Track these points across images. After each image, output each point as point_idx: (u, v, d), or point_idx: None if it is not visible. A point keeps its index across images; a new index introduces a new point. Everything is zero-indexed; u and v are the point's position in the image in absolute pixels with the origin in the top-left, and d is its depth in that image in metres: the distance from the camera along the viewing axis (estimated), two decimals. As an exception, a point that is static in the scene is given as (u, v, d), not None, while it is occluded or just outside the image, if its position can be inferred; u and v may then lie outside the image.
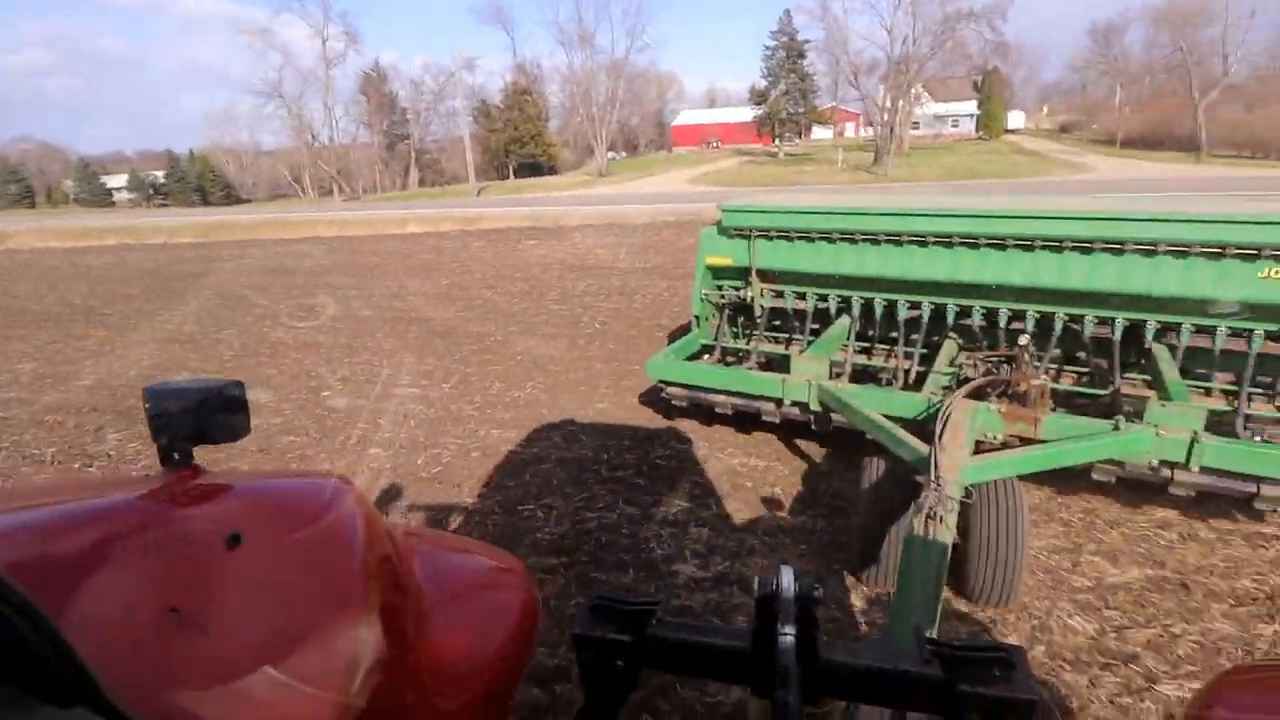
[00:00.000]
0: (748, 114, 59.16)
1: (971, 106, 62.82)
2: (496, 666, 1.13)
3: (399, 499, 4.33)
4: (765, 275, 4.48)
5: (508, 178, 56.73)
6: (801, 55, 50.31)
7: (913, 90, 41.46)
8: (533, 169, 58.62)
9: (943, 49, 39.21)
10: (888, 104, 38.36)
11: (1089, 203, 4.00)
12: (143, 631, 0.73)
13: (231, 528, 0.85)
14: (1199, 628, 2.90)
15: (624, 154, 68.15)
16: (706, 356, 4.81)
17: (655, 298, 9.53)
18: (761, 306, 4.58)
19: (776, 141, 53.98)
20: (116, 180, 72.50)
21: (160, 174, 68.92)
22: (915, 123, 55.51)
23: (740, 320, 5.04)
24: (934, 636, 1.71)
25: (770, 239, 4.28)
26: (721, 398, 4.30)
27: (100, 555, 0.76)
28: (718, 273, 4.69)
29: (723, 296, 4.71)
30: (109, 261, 18.08)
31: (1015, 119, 67.31)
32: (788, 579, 0.95)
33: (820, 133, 65.20)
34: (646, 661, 1.01)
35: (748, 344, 4.75)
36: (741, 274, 4.54)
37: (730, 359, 4.82)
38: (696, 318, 4.84)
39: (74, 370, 7.66)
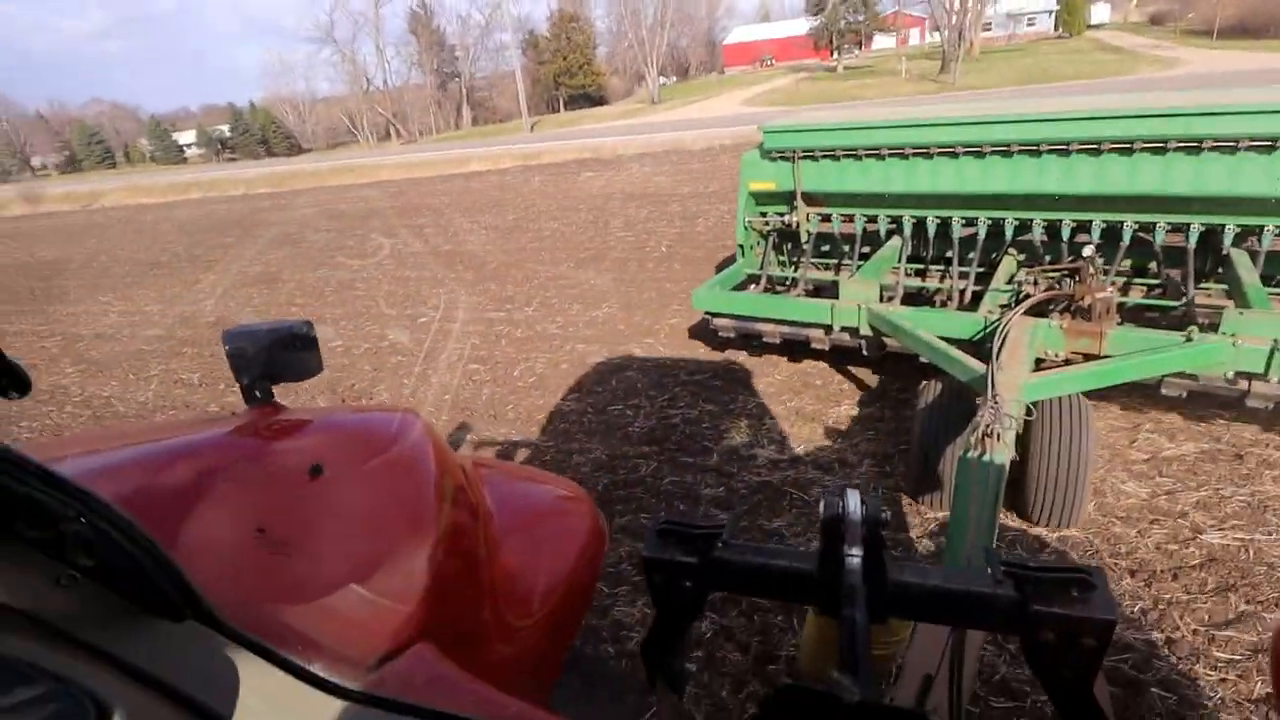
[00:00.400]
0: (804, 27, 56.16)
1: (1050, 2, 57.76)
2: (564, 589, 1.16)
3: (505, 406, 4.87)
4: (811, 199, 4.34)
5: (558, 110, 56.13)
6: (861, -42, 47.04)
7: (984, -12, 38.43)
8: (583, 100, 57.73)
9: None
10: (955, 4, 35.80)
11: (1166, 98, 3.66)
12: (240, 553, 0.80)
13: (313, 459, 0.92)
14: (1248, 489, 3.14)
15: (674, 78, 66.13)
16: (753, 286, 4.65)
17: (717, 221, 9.73)
18: (808, 232, 4.44)
19: (835, 55, 51.20)
20: (186, 136, 75.34)
21: (225, 128, 71.29)
22: (987, 24, 51.61)
23: (787, 247, 4.90)
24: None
25: (815, 159, 4.11)
26: (769, 326, 4.21)
27: (197, 486, 0.85)
28: (761, 199, 4.54)
29: (767, 223, 4.55)
30: (198, 214, 19.27)
31: (1100, 12, 61.53)
32: (854, 501, 0.95)
33: (883, 42, 61.48)
34: (713, 583, 1.04)
35: (795, 271, 4.60)
36: (786, 199, 4.39)
37: (779, 287, 4.70)
38: (741, 246, 4.71)
39: (196, 310, 8.52)
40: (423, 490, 0.95)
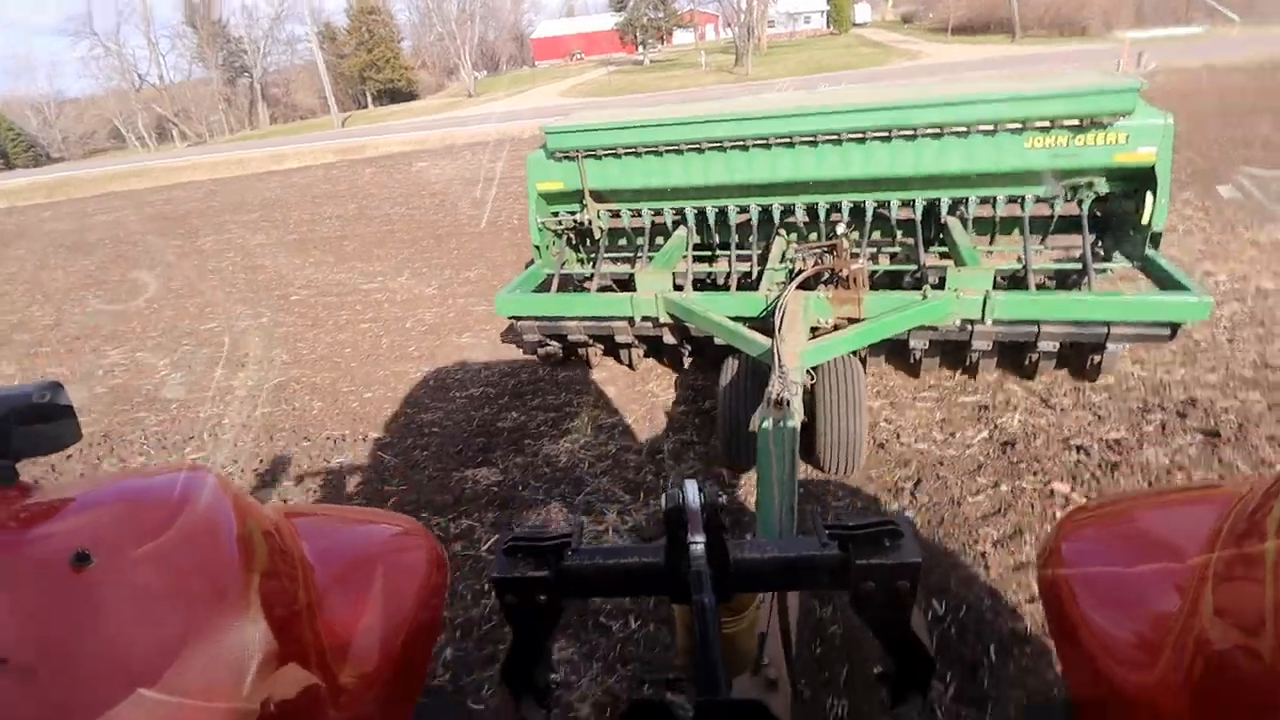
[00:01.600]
0: (609, 22, 58.43)
1: (821, 2, 64.92)
2: (404, 634, 1.09)
3: (408, 348, 5.65)
4: (599, 196, 4.45)
5: (365, 107, 53.73)
6: (656, -43, 50.04)
7: (766, -12, 42.74)
8: (391, 95, 55.75)
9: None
10: (743, 4, 39.53)
11: (892, 93, 4.27)
12: None
13: (77, 545, 0.76)
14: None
15: (485, 73, 65.69)
16: (554, 287, 4.61)
17: (559, 197, 10.82)
18: (600, 229, 4.57)
19: (640, 49, 54.04)
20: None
21: None
22: (771, 21, 57.03)
23: (584, 245, 5.01)
24: (794, 510, 2.09)
25: (599, 158, 4.21)
26: (574, 324, 4.23)
27: None
28: (551, 198, 4.58)
29: (560, 223, 4.61)
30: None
31: (863, 12, 70.15)
32: (692, 491, 0.96)
33: (682, 37, 65.37)
34: (568, 592, 1.03)
35: (592, 268, 4.71)
36: (576, 198, 4.47)
37: (586, 285, 4.72)
38: (537, 247, 4.70)
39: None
40: (221, 559, 0.84)
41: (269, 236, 10.85)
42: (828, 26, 64.10)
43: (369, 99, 55.46)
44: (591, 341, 4.48)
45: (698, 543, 0.94)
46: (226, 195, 16.31)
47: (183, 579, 0.80)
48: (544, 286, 4.57)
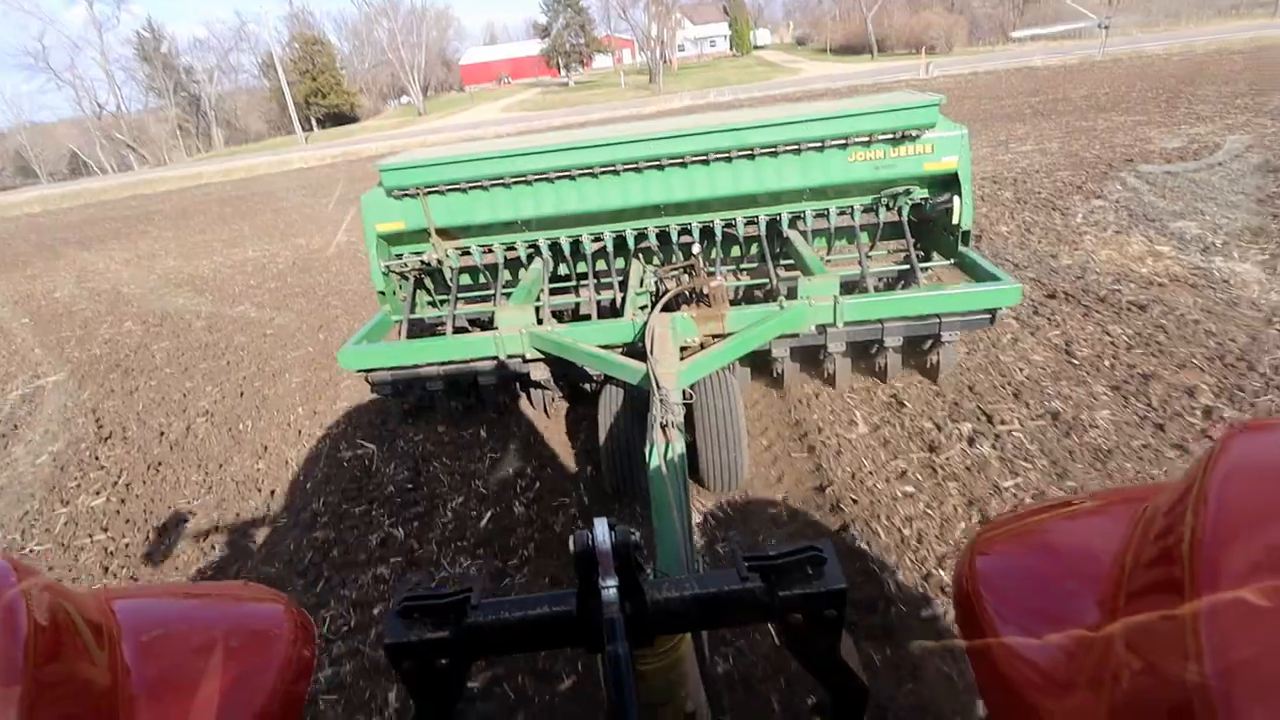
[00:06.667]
0: (533, 48, 65.16)
1: (725, 28, 73.25)
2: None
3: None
4: (446, 233, 4.25)
5: (311, 130, 57.91)
6: (574, -10, 56.98)
7: (673, 17, 49.93)
8: (335, 119, 60.08)
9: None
10: (653, 31, 46.53)
11: (741, 115, 4.30)
12: None
13: None
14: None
15: (407, 99, 70.78)
16: (404, 333, 4.26)
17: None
18: (450, 268, 4.34)
19: (564, 72, 60.61)
20: None
21: None
22: (681, 45, 64.73)
23: (434, 286, 4.72)
24: (691, 536, 2.02)
25: (442, 194, 4.01)
26: (432, 369, 3.89)
27: None
28: (392, 239, 4.30)
29: (404, 265, 4.25)
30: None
31: (763, 36, 79.29)
32: (602, 531, 0.91)
33: (602, 60, 72.44)
34: (471, 653, 0.98)
35: (444, 310, 4.45)
36: (420, 237, 4.23)
37: (440, 329, 4.37)
38: (382, 293, 4.32)
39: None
40: (5, 670, 0.66)
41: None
42: (731, 49, 72.35)
43: (313, 123, 59.62)
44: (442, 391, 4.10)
45: (610, 587, 0.90)
46: (256, 185, 21.25)
47: None
48: (393, 335, 4.31)
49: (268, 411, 5.17)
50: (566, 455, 4.00)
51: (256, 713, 0.89)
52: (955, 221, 3.93)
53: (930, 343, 3.92)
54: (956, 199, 3.86)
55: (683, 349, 3.37)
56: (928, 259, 4.42)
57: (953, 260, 4.18)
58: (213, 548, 3.64)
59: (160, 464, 4.59)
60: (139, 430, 5.14)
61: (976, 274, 3.83)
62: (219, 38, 56.14)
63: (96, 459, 4.79)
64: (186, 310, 8.38)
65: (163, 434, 5.03)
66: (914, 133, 3.74)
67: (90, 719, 0.75)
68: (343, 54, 63.41)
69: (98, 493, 4.34)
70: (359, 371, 4.02)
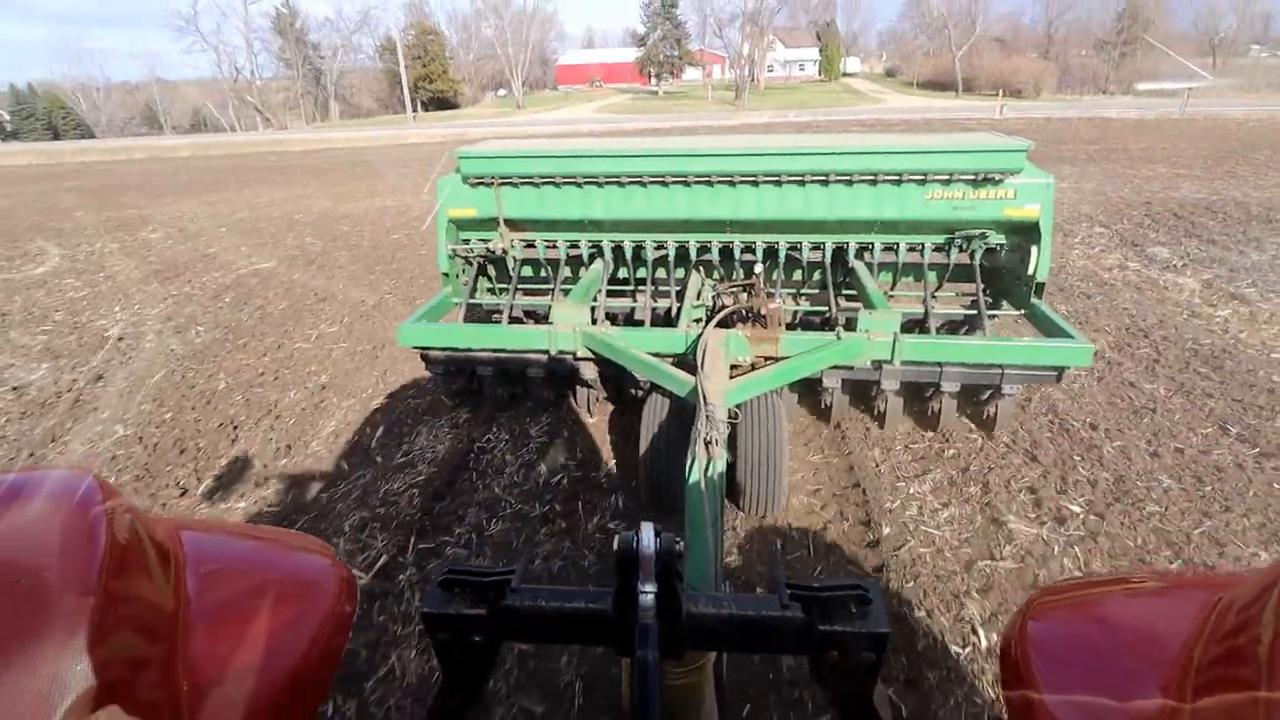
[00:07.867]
0: (626, 55, 68.10)
1: (815, 53, 74.71)
2: (293, 674, 0.93)
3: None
4: (514, 225, 4.29)
5: (417, 111, 62.10)
6: (674, 4, 59.53)
7: (766, 38, 51.89)
8: (438, 104, 64.17)
9: (788, 3, 49.68)
10: (745, 50, 48.53)
11: (810, 140, 4.39)
12: None
13: None
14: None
15: (503, 91, 74.59)
16: (462, 316, 4.35)
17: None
18: (514, 259, 4.40)
19: (654, 81, 63.24)
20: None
21: (5, 112, 65.57)
22: (770, 66, 66.56)
23: (495, 274, 4.79)
24: (721, 553, 1.95)
25: (516, 186, 4.08)
26: (485, 355, 4.02)
27: None
28: (463, 225, 4.37)
29: (471, 250, 4.34)
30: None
31: (853, 64, 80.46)
32: (648, 536, 0.91)
33: (692, 73, 74.84)
34: (505, 634, 1.00)
35: (503, 298, 4.49)
36: (489, 225, 4.29)
37: (496, 316, 4.40)
38: (446, 275, 4.38)
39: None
40: (72, 572, 0.71)
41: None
42: (819, 74, 73.74)
43: (418, 105, 63.87)
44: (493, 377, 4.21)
45: (648, 592, 0.90)
46: (395, 154, 23.99)
47: (33, 602, 0.68)
48: (452, 316, 4.41)
49: (432, 295, 7.31)
50: (607, 457, 4.01)
51: (298, 659, 0.92)
52: (1030, 271, 3.85)
53: (989, 393, 3.82)
54: (1035, 248, 3.80)
55: (733, 367, 3.40)
56: (995, 306, 4.33)
57: (1023, 311, 4.07)
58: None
59: (367, 317, 6.81)
60: (344, 299, 7.32)
61: (1048, 328, 3.70)
62: (345, 19, 61.09)
63: (319, 313, 7.03)
64: (351, 234, 10.73)
65: (363, 301, 7.20)
66: (997, 176, 3.65)
67: (151, 638, 0.79)
68: (451, 45, 67.90)
69: (331, 324, 6.61)
70: (415, 348, 4.11)
